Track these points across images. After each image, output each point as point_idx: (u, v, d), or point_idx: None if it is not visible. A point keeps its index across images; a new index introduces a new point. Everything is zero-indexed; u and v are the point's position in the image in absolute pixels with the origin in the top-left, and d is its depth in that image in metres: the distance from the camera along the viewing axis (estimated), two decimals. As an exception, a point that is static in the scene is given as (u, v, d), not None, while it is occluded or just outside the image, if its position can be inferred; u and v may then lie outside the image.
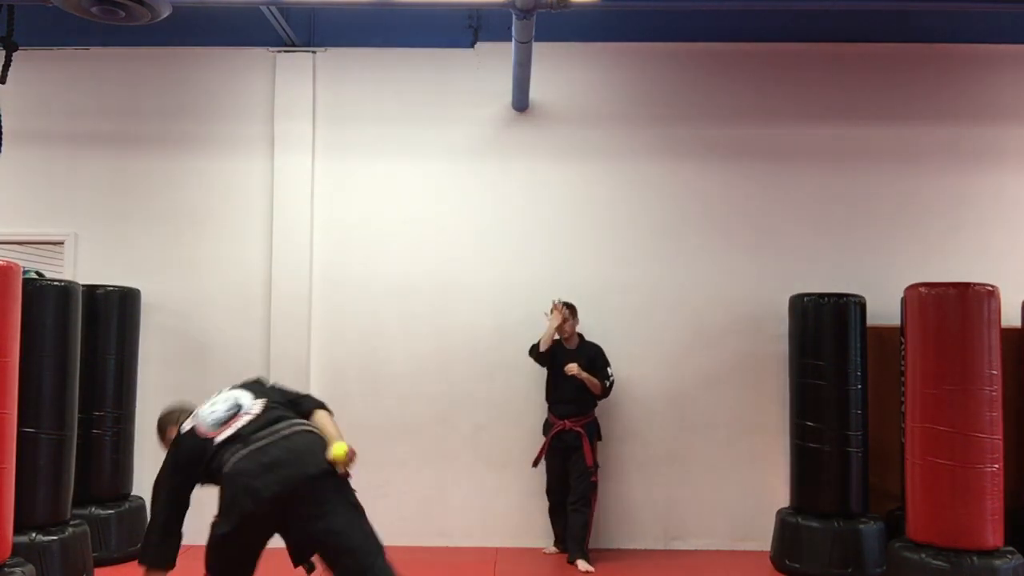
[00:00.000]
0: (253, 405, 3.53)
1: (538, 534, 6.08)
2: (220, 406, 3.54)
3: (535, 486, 6.02)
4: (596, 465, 5.76)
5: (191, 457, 3.46)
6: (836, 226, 6.35)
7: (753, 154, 6.40)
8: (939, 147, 6.39)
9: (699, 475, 6.21)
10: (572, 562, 5.62)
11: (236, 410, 3.50)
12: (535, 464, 5.89)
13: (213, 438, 3.41)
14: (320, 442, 3.48)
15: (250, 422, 3.44)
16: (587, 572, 5.51)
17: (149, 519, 3.65)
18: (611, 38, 6.46)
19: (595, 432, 5.84)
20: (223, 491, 3.34)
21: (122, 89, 6.51)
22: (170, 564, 3.62)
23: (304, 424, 3.57)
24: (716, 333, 6.29)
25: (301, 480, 3.30)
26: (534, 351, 5.90)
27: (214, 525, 3.38)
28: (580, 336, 5.94)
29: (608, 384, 5.80)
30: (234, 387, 3.69)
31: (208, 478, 3.44)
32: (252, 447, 3.34)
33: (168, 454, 3.60)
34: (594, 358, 5.85)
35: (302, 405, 3.75)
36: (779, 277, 6.20)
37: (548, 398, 5.94)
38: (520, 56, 5.62)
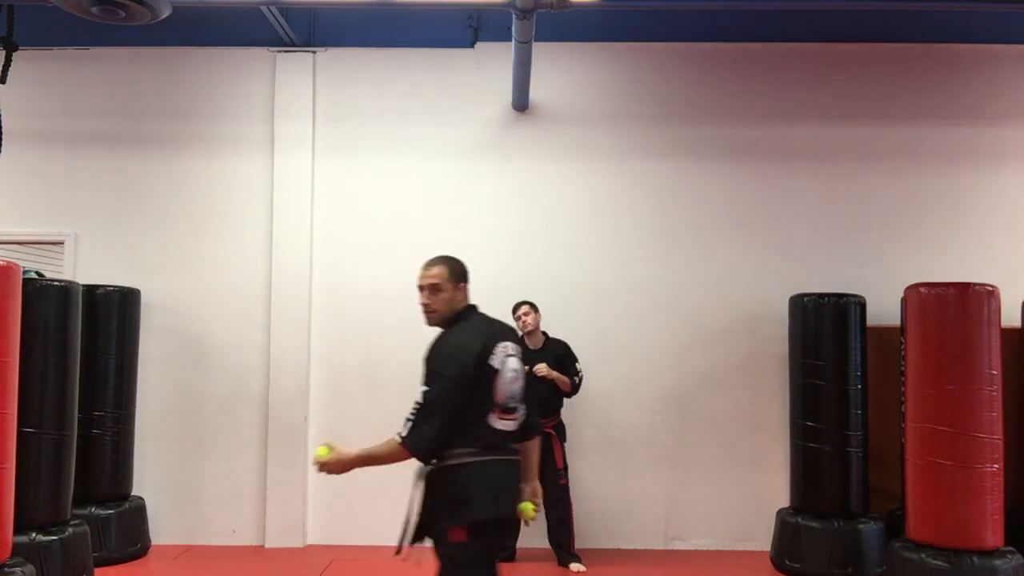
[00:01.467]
0: (521, 407, 3.10)
1: (538, 534, 6.07)
2: (518, 380, 3.07)
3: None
4: (565, 466, 5.69)
5: (473, 383, 2.96)
6: (836, 226, 6.35)
7: (753, 154, 6.40)
8: (939, 147, 6.39)
9: (699, 475, 6.21)
10: (565, 565, 5.62)
11: (518, 405, 3.08)
12: None
13: (495, 404, 2.98)
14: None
15: (513, 433, 3.08)
16: (581, 573, 5.53)
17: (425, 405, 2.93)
18: (611, 38, 6.46)
19: (562, 433, 5.76)
20: (464, 478, 2.93)
21: (122, 89, 6.51)
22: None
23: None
24: (716, 333, 6.29)
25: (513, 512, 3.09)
26: None
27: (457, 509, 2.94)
28: (544, 334, 5.85)
29: (577, 381, 5.69)
30: (512, 340, 3.16)
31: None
32: (507, 457, 3.04)
33: (454, 345, 3.03)
34: (562, 356, 5.75)
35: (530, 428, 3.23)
36: (779, 277, 6.20)
37: None
38: (520, 56, 5.62)
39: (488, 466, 2.96)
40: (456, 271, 3.20)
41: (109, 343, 5.87)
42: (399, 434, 2.91)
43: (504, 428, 3.01)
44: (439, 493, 2.96)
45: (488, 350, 3.01)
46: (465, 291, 3.22)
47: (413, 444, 2.90)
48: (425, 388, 2.95)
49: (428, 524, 3.01)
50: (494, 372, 2.99)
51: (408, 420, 2.92)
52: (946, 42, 6.44)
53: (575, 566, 5.58)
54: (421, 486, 3.00)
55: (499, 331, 3.16)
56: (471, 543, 2.90)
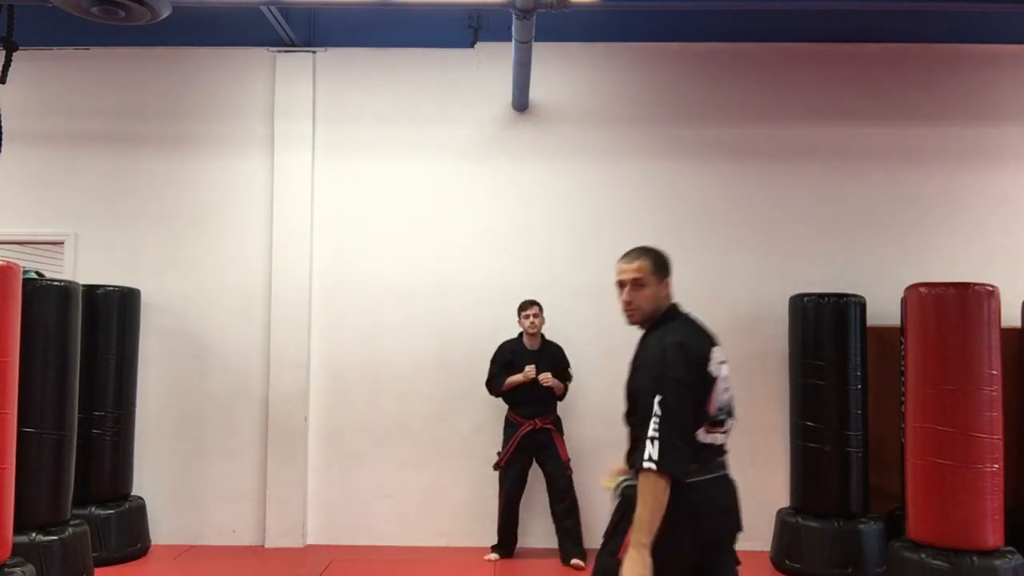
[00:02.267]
0: (730, 422, 2.82)
1: (538, 534, 6.08)
2: (727, 390, 2.79)
3: (536, 486, 6.03)
4: (568, 459, 5.80)
5: (698, 386, 2.67)
6: (836, 226, 6.35)
7: (753, 154, 6.40)
8: (939, 147, 6.39)
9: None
10: (567, 562, 5.64)
11: (727, 416, 2.79)
12: (499, 466, 5.83)
13: (707, 415, 2.68)
14: None
15: (722, 446, 2.80)
16: (581, 570, 5.55)
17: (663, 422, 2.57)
18: (611, 38, 6.46)
19: (560, 428, 5.89)
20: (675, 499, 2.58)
21: (122, 89, 6.51)
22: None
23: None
24: (716, 333, 6.26)
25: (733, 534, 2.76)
26: (494, 388, 5.86)
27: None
28: (542, 335, 5.92)
29: (567, 385, 5.87)
30: (717, 342, 2.84)
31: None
32: (714, 475, 2.73)
33: (676, 347, 2.68)
34: (557, 359, 5.89)
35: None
36: (779, 277, 6.20)
37: (509, 400, 5.89)
38: (520, 56, 5.62)
39: (696, 488, 2.61)
40: (660, 263, 2.84)
41: (109, 343, 5.87)
42: (650, 460, 2.49)
43: (711, 442, 2.70)
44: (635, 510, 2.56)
45: (707, 354, 2.71)
46: (669, 286, 2.88)
47: (671, 468, 2.50)
48: (658, 397, 2.55)
49: (609, 537, 2.73)
50: (712, 380, 2.69)
51: (652, 440, 2.51)
52: (946, 42, 6.44)
53: (575, 562, 5.60)
54: (617, 500, 2.72)
55: (710, 334, 2.84)
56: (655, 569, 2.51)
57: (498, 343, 6.06)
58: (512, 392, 5.85)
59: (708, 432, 2.70)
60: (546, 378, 5.68)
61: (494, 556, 5.90)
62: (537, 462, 5.85)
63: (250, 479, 6.26)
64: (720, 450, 2.77)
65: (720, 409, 2.73)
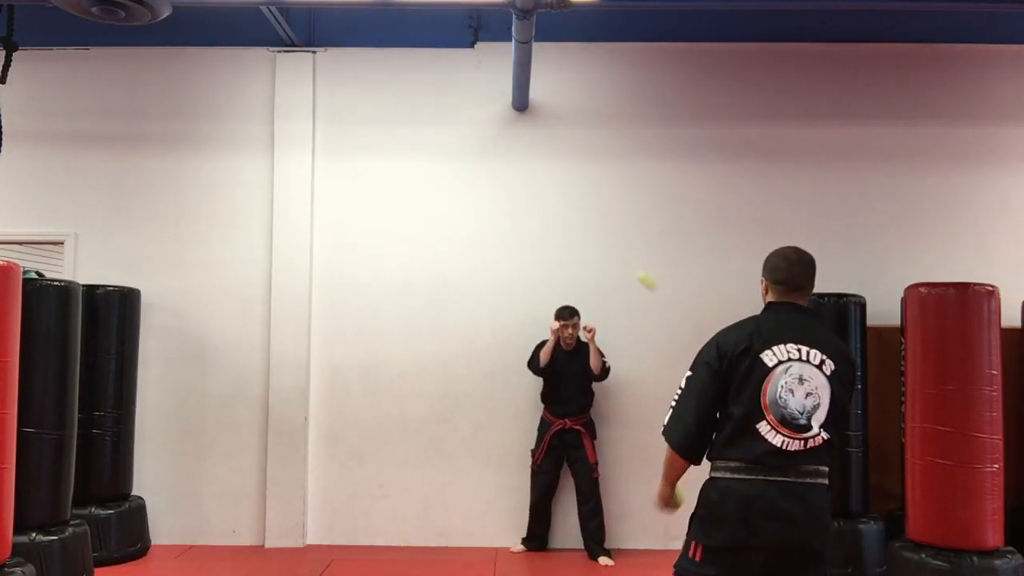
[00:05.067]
0: (820, 433, 2.67)
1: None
2: (799, 391, 2.68)
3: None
4: (596, 462, 5.88)
5: (730, 373, 2.73)
6: (836, 226, 6.35)
7: (753, 154, 6.40)
8: (939, 147, 6.38)
9: (699, 475, 6.18)
10: (595, 558, 5.77)
11: (807, 423, 2.67)
12: (536, 464, 5.91)
13: (763, 418, 2.66)
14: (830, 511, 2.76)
15: (797, 453, 2.66)
16: (609, 567, 5.68)
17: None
18: (611, 38, 6.46)
19: (592, 431, 5.95)
20: (711, 491, 2.75)
21: (122, 89, 6.51)
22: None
23: (825, 478, 2.74)
24: (716, 333, 6.27)
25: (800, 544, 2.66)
26: (533, 365, 5.94)
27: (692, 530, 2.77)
28: (576, 337, 5.98)
29: (606, 366, 5.90)
30: (825, 351, 2.73)
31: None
32: (768, 478, 2.65)
33: (717, 335, 2.88)
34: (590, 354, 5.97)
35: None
36: (779, 277, 6.19)
37: (545, 398, 5.97)
38: (520, 56, 5.62)
39: (746, 485, 2.65)
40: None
41: (109, 343, 5.87)
42: (663, 425, 2.78)
43: (775, 442, 2.64)
44: (697, 504, 2.77)
45: (752, 345, 2.72)
46: (766, 288, 2.99)
47: (670, 434, 2.78)
48: (688, 374, 2.81)
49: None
50: (763, 370, 2.68)
51: (669, 407, 2.79)
52: (946, 42, 6.44)
53: (604, 560, 5.72)
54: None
55: (786, 331, 2.78)
56: (703, 566, 2.67)
57: (498, 343, 6.22)
58: (547, 392, 5.95)
59: (774, 429, 2.65)
60: (589, 327, 5.82)
61: (520, 548, 5.98)
62: (567, 462, 5.92)
63: (250, 479, 6.26)
64: (789, 455, 2.64)
65: (781, 406, 2.65)
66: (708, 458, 2.79)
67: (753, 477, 2.65)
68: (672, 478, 2.87)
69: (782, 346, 2.72)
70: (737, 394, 2.70)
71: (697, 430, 2.74)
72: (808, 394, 2.68)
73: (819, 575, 2.69)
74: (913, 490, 4.95)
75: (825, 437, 2.68)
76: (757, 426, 2.66)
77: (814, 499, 2.67)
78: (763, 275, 2.97)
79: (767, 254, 3.01)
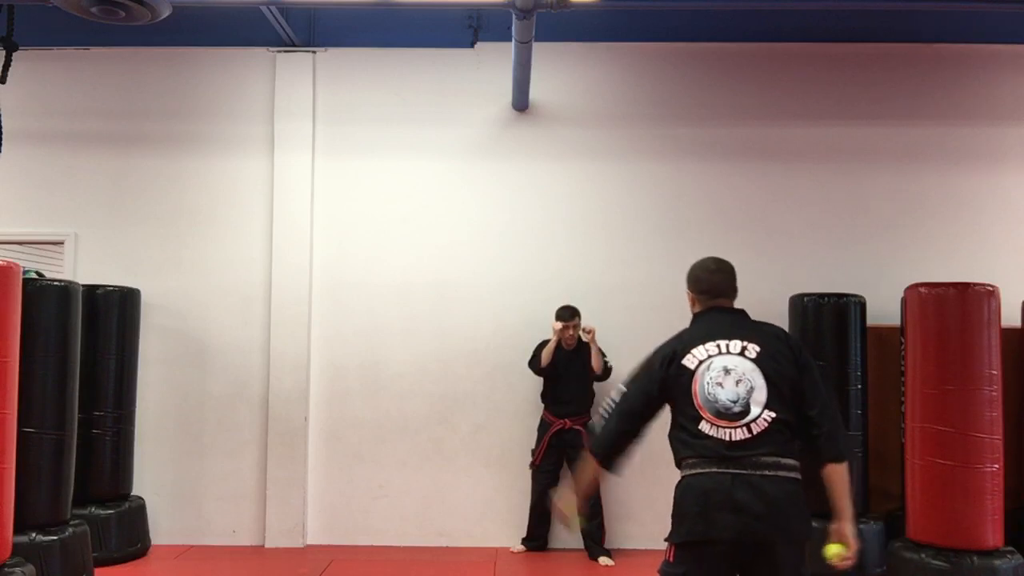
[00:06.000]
0: (762, 414, 2.68)
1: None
2: (727, 383, 2.72)
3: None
4: None
5: (665, 392, 2.82)
6: (836, 226, 6.35)
7: (753, 154, 6.40)
8: (939, 147, 6.38)
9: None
10: (595, 559, 5.77)
11: (744, 409, 2.69)
12: (535, 464, 5.91)
13: (701, 417, 2.72)
14: (801, 505, 2.68)
15: (746, 441, 2.66)
16: (610, 567, 5.69)
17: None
18: (611, 38, 6.46)
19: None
20: (678, 492, 2.78)
21: (122, 89, 6.51)
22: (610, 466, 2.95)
23: (791, 471, 2.69)
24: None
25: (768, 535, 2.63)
26: (534, 366, 5.94)
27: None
28: (577, 337, 5.98)
29: (608, 366, 5.89)
30: (746, 339, 2.80)
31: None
32: (723, 470, 2.66)
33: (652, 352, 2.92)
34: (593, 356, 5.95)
35: (815, 437, 2.75)
36: (779, 277, 6.19)
37: (545, 398, 5.97)
38: (520, 56, 5.62)
39: (704, 479, 2.67)
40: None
41: (109, 343, 5.87)
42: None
43: (715, 435, 2.68)
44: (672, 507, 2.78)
45: (678, 351, 2.82)
46: (690, 299, 3.15)
47: (593, 445, 2.94)
48: (621, 387, 2.93)
49: None
50: (687, 373, 2.76)
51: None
52: (946, 42, 6.44)
53: (604, 560, 5.72)
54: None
55: (711, 333, 2.88)
56: (675, 566, 2.69)
57: (498, 343, 6.22)
58: (547, 391, 5.95)
59: (713, 424, 2.70)
60: (589, 328, 5.84)
61: (520, 548, 5.99)
62: (567, 462, 5.92)
63: (250, 479, 6.26)
64: (738, 445, 2.66)
65: (712, 401, 2.70)
66: (676, 465, 2.84)
67: (710, 470, 2.68)
68: (581, 482, 3.12)
69: (701, 347, 2.81)
70: (677, 402, 2.79)
71: (614, 439, 2.89)
72: (738, 381, 2.72)
73: (789, 571, 2.64)
74: (913, 490, 4.96)
75: (771, 417, 2.68)
76: (699, 427, 2.72)
77: (774, 492, 2.63)
78: (687, 287, 3.12)
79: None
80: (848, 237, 6.33)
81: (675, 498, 2.78)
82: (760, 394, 2.70)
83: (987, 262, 6.13)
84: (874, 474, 5.65)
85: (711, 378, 2.74)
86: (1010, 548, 4.86)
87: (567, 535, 6.03)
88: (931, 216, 6.34)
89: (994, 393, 4.81)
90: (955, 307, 4.89)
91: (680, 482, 2.79)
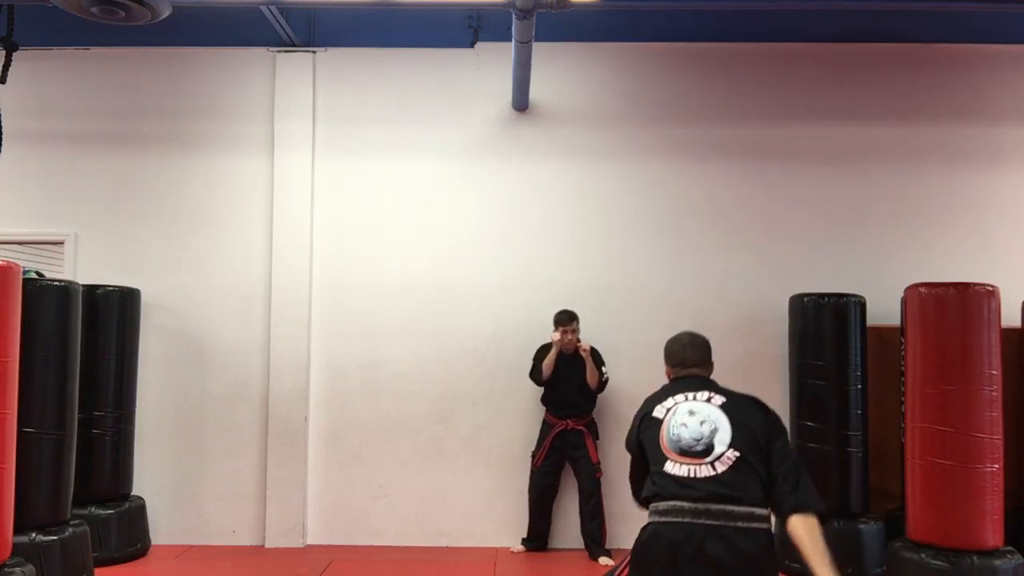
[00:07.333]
0: (726, 452, 2.67)
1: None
2: (691, 422, 2.76)
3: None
4: (599, 461, 5.86)
5: (643, 432, 2.90)
6: (836, 226, 6.35)
7: (753, 154, 6.40)
8: (939, 147, 6.38)
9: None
10: (595, 559, 5.76)
11: (707, 447, 2.69)
12: (537, 465, 5.91)
13: (667, 458, 2.74)
14: (773, 558, 2.67)
15: (710, 479, 2.63)
16: (610, 567, 5.62)
17: None
18: (611, 38, 6.46)
19: (595, 431, 5.93)
20: (643, 534, 2.73)
21: (122, 89, 6.51)
22: None
23: (763, 522, 2.65)
24: (716, 333, 6.12)
25: None
26: (535, 376, 5.92)
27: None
28: (577, 340, 5.96)
29: (604, 379, 5.87)
30: (713, 391, 2.86)
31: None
32: (694, 521, 2.60)
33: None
34: (592, 357, 5.93)
35: (782, 491, 2.69)
36: (779, 277, 6.20)
37: (546, 400, 5.96)
38: (520, 56, 5.62)
39: (673, 529, 2.63)
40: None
41: (109, 343, 5.87)
42: None
43: (677, 473, 2.68)
44: (633, 548, 2.78)
45: (651, 406, 2.92)
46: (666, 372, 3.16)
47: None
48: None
49: None
50: (656, 423, 2.83)
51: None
52: (946, 42, 6.44)
53: (604, 560, 5.71)
54: None
55: (675, 389, 2.96)
56: None
57: (498, 343, 6.20)
58: (548, 393, 5.94)
59: (676, 462, 2.72)
60: (584, 345, 5.80)
61: (521, 548, 5.98)
62: (569, 462, 5.92)
63: (250, 479, 6.26)
64: (703, 482, 2.63)
65: (676, 441, 2.74)
66: (640, 505, 2.86)
67: (679, 520, 2.62)
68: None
69: (670, 398, 2.89)
70: (648, 452, 2.83)
71: (637, 487, 2.94)
72: (702, 422, 2.75)
73: None
74: (913, 490, 4.96)
75: (735, 456, 2.65)
76: (664, 468, 2.72)
77: (747, 546, 2.59)
78: (664, 362, 3.14)
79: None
80: (848, 237, 6.33)
81: (640, 541, 2.70)
82: (724, 435, 2.71)
83: (987, 262, 6.13)
84: (874, 474, 5.65)
85: (676, 420, 2.79)
86: (1010, 548, 4.86)
87: (566, 535, 6.04)
88: (931, 216, 6.34)
89: (994, 393, 4.81)
90: (955, 307, 4.89)
91: (646, 527, 2.71)
